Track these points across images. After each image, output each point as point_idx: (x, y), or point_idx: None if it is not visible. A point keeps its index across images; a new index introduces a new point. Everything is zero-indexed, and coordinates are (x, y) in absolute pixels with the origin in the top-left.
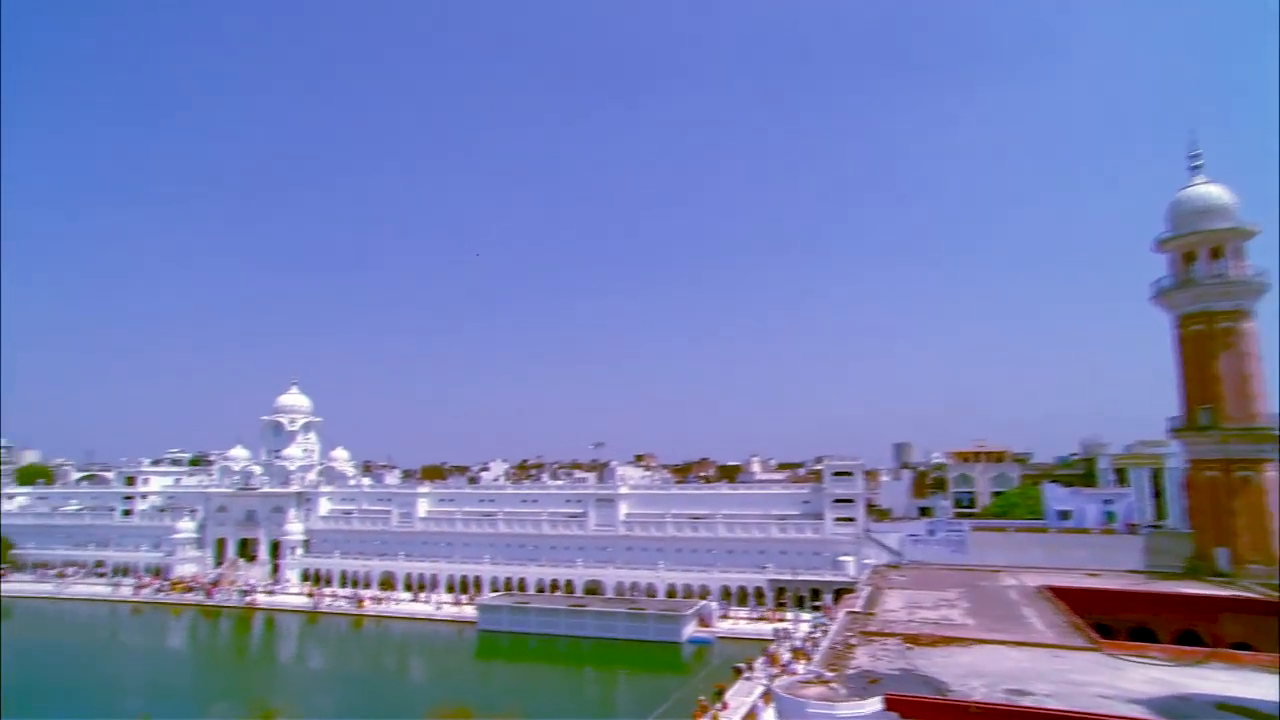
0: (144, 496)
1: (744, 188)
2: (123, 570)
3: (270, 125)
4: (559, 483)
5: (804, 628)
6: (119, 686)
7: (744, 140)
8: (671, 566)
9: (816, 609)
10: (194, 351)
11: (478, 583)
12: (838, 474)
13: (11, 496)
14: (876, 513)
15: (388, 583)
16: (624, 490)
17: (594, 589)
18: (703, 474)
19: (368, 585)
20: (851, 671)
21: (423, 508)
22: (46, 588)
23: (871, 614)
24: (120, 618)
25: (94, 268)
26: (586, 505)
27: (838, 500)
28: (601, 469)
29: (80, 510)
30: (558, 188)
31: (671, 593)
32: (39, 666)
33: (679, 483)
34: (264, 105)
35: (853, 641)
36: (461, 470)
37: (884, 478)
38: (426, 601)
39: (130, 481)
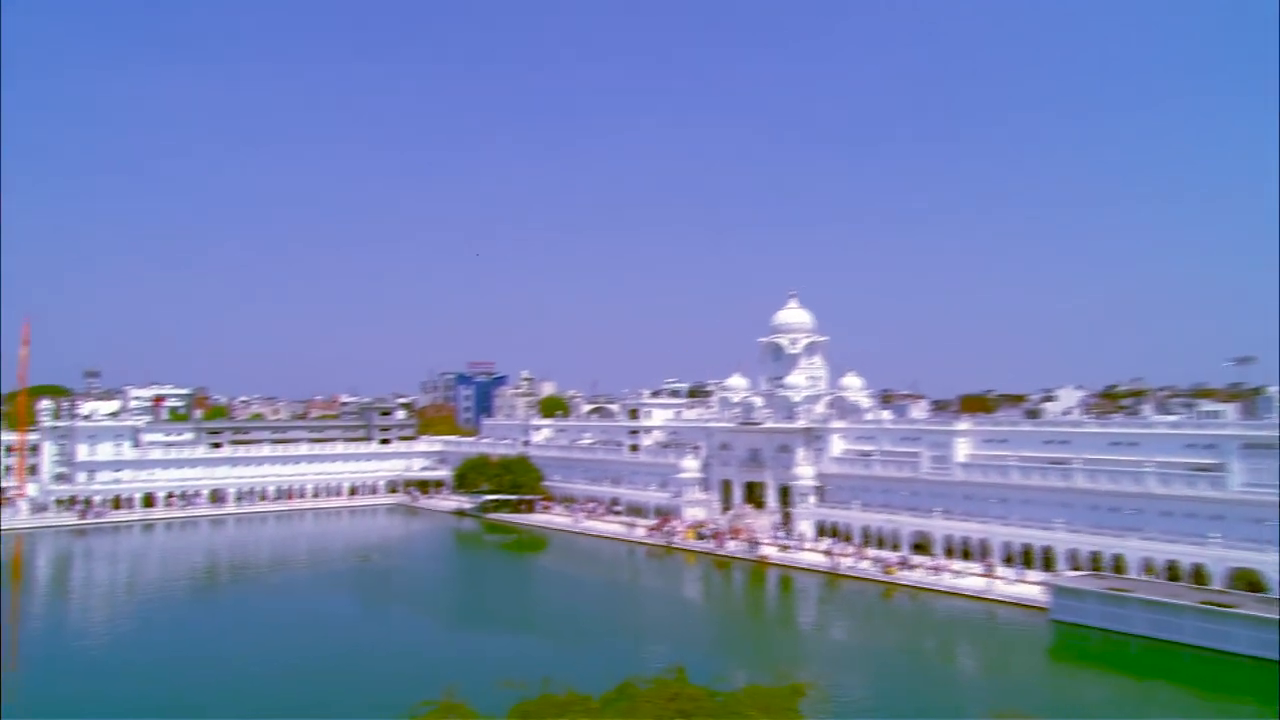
0: (648, 431)
1: None
2: (636, 510)
3: None
4: (1171, 419)
5: None
6: (642, 629)
7: None
8: None
9: None
10: (683, 267)
11: (1048, 555)
12: None
13: (538, 428)
14: None
15: (924, 544)
16: None
17: (1250, 582)
18: None
19: (896, 546)
20: None
21: (962, 450)
22: (565, 521)
23: None
24: (637, 559)
25: (589, 203)
26: (1224, 453)
27: None
28: (1250, 399)
29: (593, 444)
30: None
31: None
32: (572, 596)
33: None
34: None
35: None
36: (1015, 400)
37: None
38: (987, 574)
39: (634, 415)
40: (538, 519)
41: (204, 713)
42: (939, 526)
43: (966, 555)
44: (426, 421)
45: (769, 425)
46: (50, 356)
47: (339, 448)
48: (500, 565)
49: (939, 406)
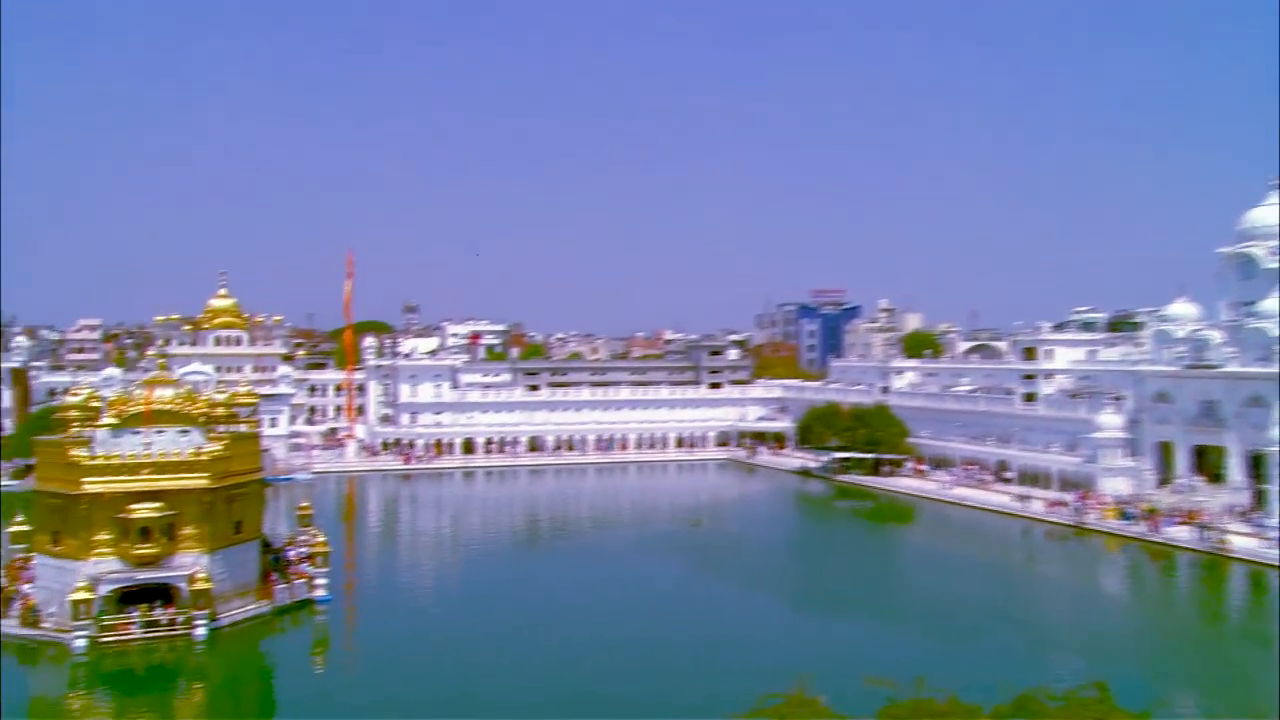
0: (1048, 376)
1: None
2: (1031, 477)
3: None
4: None
5: None
6: (1043, 629)
7: None
8: None
9: None
10: (1099, 161)
11: None
12: None
13: (900, 372)
14: None
15: None
16: None
17: None
18: None
19: None
20: None
21: None
22: (933, 487)
23: None
24: (1034, 540)
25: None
26: None
27: None
28: None
29: (973, 392)
30: None
31: None
32: (946, 580)
33: None
34: None
35: None
36: None
37: None
38: None
39: (1030, 355)
40: (900, 483)
41: (530, 694)
42: None
43: None
44: (763, 362)
45: (1233, 369)
46: (371, 290)
47: (664, 392)
48: (855, 538)
49: None
